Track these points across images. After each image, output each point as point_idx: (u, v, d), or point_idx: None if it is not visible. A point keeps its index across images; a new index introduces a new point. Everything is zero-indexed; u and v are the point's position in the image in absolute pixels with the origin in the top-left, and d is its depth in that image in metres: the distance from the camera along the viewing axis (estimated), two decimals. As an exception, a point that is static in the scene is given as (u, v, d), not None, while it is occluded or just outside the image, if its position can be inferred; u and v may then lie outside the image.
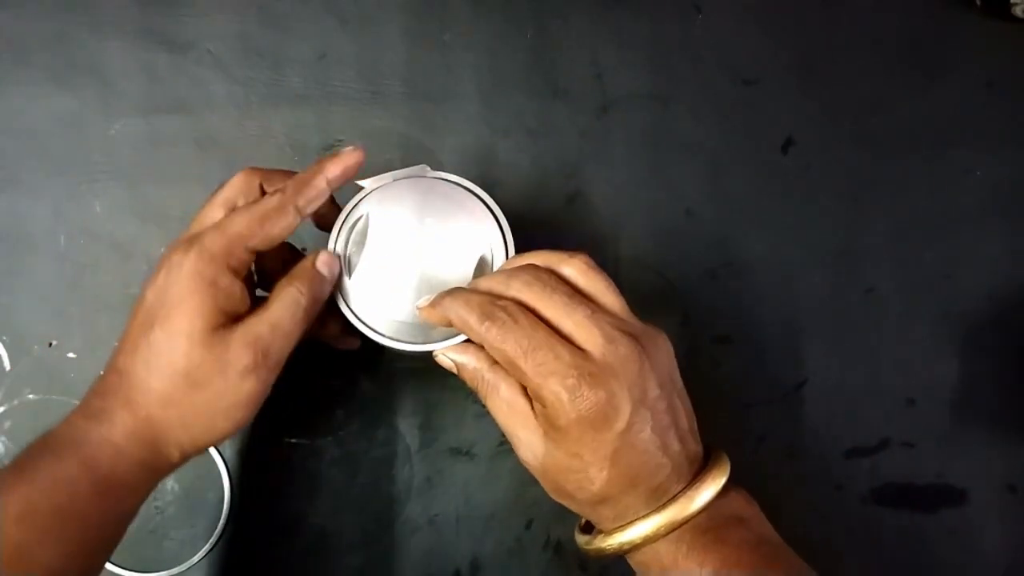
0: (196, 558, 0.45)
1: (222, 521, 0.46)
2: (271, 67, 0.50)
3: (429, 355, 0.41)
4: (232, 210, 0.39)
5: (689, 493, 0.36)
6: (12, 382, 0.47)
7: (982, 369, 0.49)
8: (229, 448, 0.47)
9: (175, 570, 0.45)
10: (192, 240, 0.37)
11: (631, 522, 0.36)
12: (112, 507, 0.35)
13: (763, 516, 0.38)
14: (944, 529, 0.48)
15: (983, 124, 0.51)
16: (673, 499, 0.36)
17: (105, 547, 0.36)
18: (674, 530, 0.36)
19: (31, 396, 0.47)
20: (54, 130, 0.49)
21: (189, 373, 0.36)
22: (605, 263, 0.49)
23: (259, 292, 0.42)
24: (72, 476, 0.34)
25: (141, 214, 0.49)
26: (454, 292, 0.38)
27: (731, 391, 0.48)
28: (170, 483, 0.46)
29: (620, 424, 0.35)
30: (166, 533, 0.46)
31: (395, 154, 0.50)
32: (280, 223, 0.38)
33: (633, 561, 0.38)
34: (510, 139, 0.50)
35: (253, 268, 0.40)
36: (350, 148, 0.39)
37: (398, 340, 0.41)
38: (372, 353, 0.46)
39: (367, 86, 0.50)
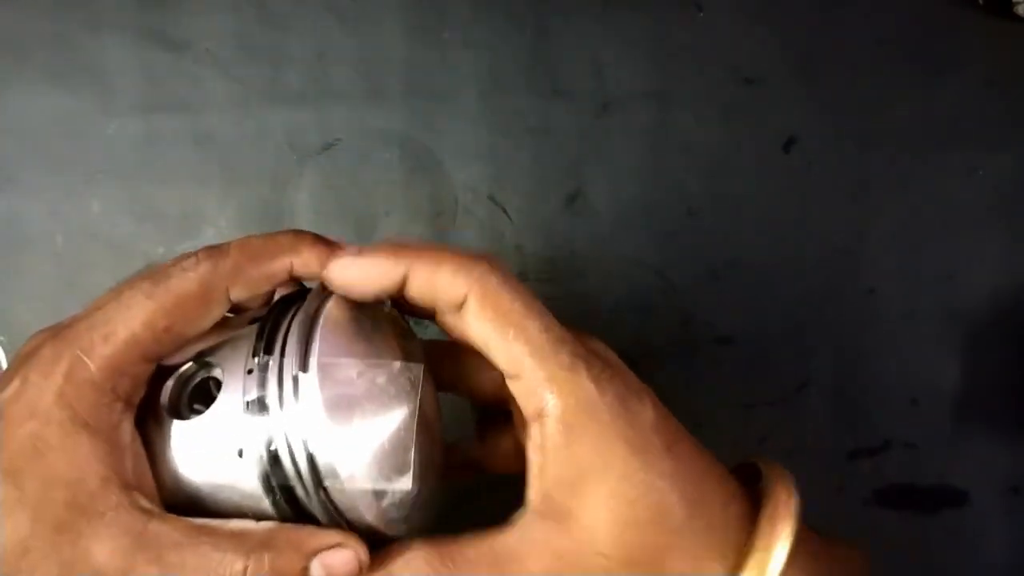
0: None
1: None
2: (270, 66, 0.50)
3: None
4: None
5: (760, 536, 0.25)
6: (9, 383, 0.47)
7: (984, 369, 0.49)
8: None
9: (173, 572, 0.44)
10: (62, 337, 0.23)
11: None
12: None
13: None
14: (946, 530, 0.47)
15: (984, 124, 0.50)
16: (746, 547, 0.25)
17: None
18: None
19: (28, 397, 0.47)
20: (51, 129, 0.49)
21: None
22: (605, 263, 0.49)
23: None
24: None
25: (139, 213, 0.48)
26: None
27: (732, 392, 0.48)
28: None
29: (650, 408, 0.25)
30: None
31: (395, 154, 0.49)
32: (206, 316, 0.25)
33: None
34: (510, 139, 0.50)
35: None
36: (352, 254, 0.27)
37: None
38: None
39: (367, 85, 0.50)
